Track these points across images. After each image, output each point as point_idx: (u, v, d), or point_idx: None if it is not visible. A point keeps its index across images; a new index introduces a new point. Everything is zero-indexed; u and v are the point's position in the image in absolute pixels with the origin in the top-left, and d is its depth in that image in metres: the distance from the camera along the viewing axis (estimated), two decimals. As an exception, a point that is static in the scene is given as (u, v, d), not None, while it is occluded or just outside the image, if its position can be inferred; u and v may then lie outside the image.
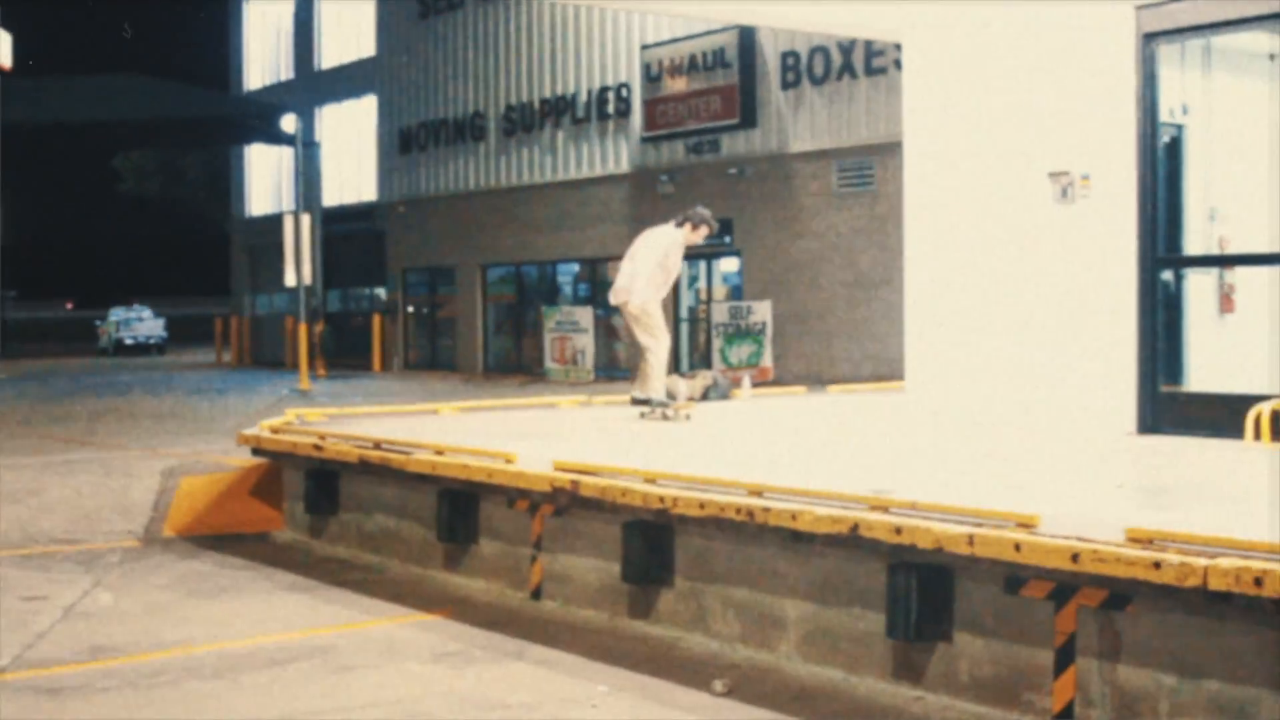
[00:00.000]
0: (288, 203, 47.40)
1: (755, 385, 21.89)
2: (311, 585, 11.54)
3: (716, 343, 32.50)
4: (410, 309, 47.09)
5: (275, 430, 14.14)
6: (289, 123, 39.56)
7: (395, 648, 9.33)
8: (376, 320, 46.88)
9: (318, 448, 13.08)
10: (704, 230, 14.66)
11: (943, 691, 7.95)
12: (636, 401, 14.76)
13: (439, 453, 11.72)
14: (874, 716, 7.72)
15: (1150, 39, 12.69)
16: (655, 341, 14.54)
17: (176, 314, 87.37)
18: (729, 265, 35.34)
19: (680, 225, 14.65)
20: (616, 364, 37.46)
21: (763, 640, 8.99)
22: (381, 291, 49.04)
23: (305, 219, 35.24)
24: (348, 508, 13.12)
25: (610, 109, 37.96)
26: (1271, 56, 13.60)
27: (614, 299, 14.84)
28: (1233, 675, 6.70)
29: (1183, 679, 6.89)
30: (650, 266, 14.45)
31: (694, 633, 9.44)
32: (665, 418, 14.39)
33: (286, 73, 55.74)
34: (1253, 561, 6.51)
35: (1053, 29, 13.36)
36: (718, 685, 8.21)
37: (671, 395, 17.78)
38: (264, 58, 57.73)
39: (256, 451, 14.20)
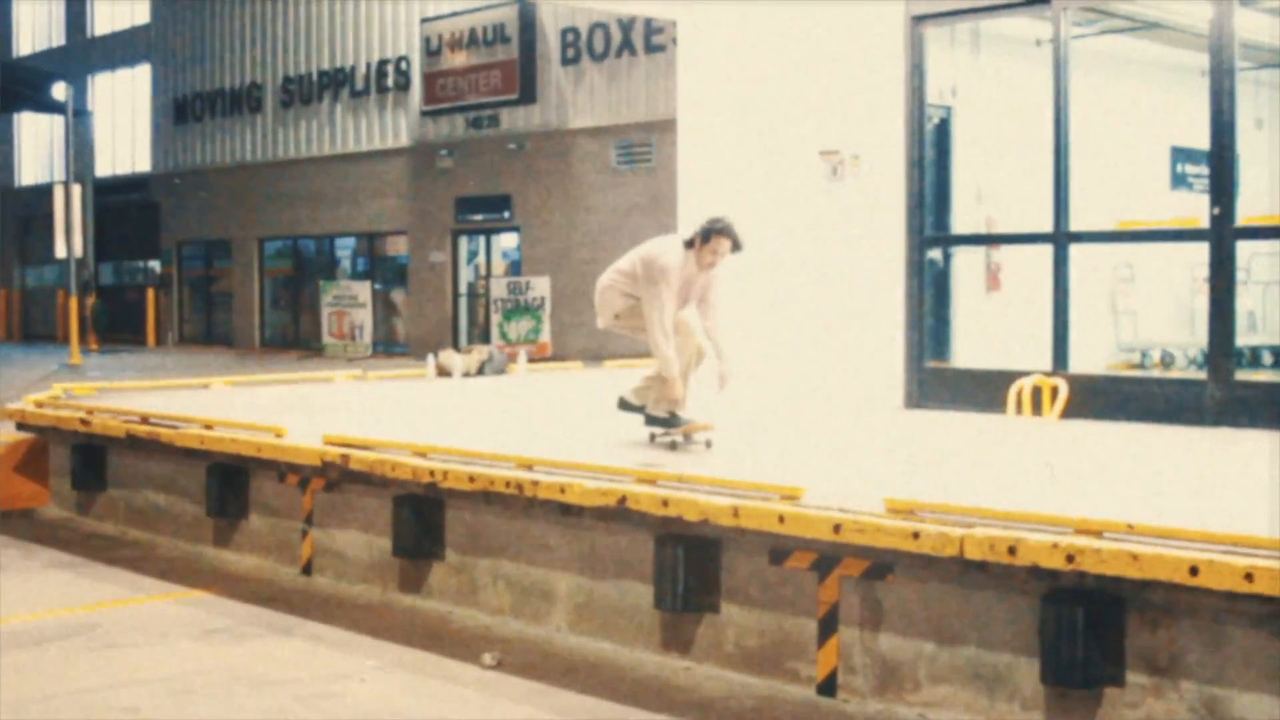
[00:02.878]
0: (59, 173, 46.24)
1: (532, 361, 21.96)
2: (77, 562, 11.34)
3: (495, 318, 32.42)
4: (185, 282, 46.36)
5: (40, 404, 13.85)
6: (60, 90, 38.65)
7: (162, 625, 9.21)
8: (151, 294, 46.02)
9: (85, 422, 12.83)
10: (718, 242, 10.07)
11: (710, 662, 8.05)
12: (649, 421, 10.71)
13: (208, 427, 11.57)
14: (642, 688, 7.78)
15: (919, 21, 12.95)
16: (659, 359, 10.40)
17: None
18: (508, 241, 35.28)
19: (690, 246, 10.18)
20: (395, 339, 37.25)
21: (534, 614, 9.03)
22: (156, 264, 48.12)
23: (76, 190, 34.43)
24: (116, 484, 12.89)
25: (390, 82, 37.64)
26: (1038, 42, 13.92)
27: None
28: (988, 642, 6.89)
29: (941, 646, 7.06)
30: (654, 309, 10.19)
31: (465, 607, 9.44)
32: (674, 444, 10.33)
33: (58, 38, 54.31)
34: (1007, 531, 6.69)
35: (825, 8, 13.55)
36: (487, 658, 8.23)
37: (446, 371, 17.75)
38: (34, 22, 56.19)
39: (21, 426, 13.89)
